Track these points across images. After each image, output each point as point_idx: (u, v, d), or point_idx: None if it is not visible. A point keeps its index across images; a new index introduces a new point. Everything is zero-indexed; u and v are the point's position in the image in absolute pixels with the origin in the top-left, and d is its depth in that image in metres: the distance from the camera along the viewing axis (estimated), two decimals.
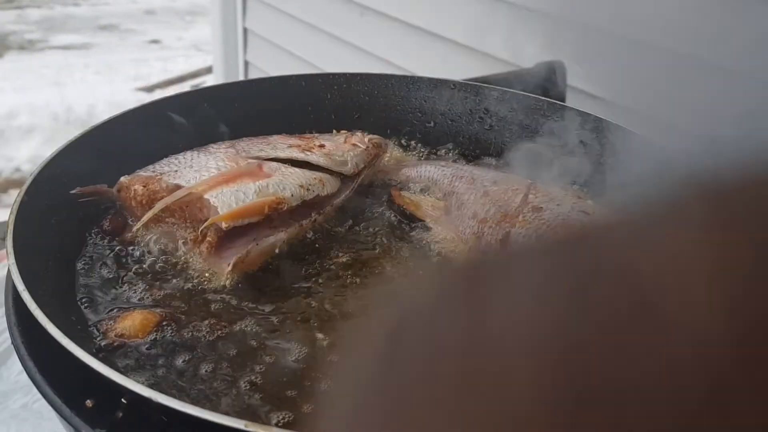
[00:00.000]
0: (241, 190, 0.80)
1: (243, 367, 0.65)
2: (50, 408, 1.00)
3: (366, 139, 0.95)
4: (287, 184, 0.84)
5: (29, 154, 4.51)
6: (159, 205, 0.77)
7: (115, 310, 0.70)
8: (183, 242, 0.78)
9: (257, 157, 0.87)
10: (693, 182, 0.20)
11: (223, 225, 0.77)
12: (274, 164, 0.87)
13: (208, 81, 5.34)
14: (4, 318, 1.14)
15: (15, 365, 1.09)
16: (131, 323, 0.66)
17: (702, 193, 0.20)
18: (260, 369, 0.65)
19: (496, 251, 0.23)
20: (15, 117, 4.86)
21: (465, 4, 2.11)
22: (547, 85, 1.59)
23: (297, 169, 0.87)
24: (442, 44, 2.22)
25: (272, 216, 0.80)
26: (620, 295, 0.18)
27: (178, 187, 0.80)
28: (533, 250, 0.21)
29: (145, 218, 0.77)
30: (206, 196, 0.78)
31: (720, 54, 1.40)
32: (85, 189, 0.83)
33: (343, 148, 0.93)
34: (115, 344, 0.65)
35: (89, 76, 5.79)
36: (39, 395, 1.02)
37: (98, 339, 0.66)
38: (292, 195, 0.83)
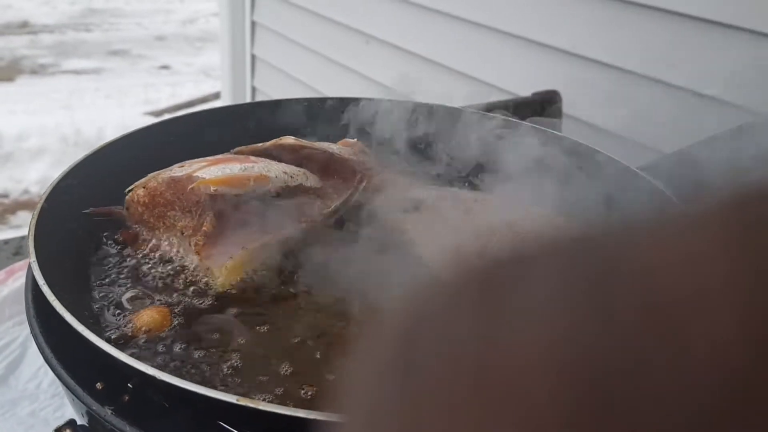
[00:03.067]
0: (228, 167, 0.85)
1: (228, 355, 0.71)
2: (58, 415, 1.05)
3: (354, 140, 1.01)
4: (272, 168, 0.88)
5: (38, 176, 4.55)
6: (145, 179, 0.84)
7: (127, 309, 0.77)
8: (183, 232, 0.83)
9: (246, 148, 0.93)
10: (712, 189, 0.19)
11: (211, 189, 0.82)
12: (261, 158, 0.92)
13: (216, 106, 5.38)
14: (13, 329, 1.20)
15: (23, 374, 1.13)
16: (150, 318, 0.72)
17: (722, 199, 0.19)
18: (239, 358, 0.71)
19: (509, 257, 0.21)
20: (25, 139, 4.92)
21: (465, 34, 2.17)
22: (544, 113, 1.64)
23: (282, 163, 0.92)
24: (442, 72, 2.28)
25: (262, 208, 0.84)
26: (642, 309, 0.17)
27: (172, 179, 0.85)
28: (552, 256, 0.20)
29: (137, 184, 0.84)
30: (196, 174, 0.84)
31: (698, 81, 1.45)
32: (97, 210, 0.89)
33: (331, 144, 0.99)
34: (141, 339, 0.72)
35: (99, 100, 5.86)
36: (46, 403, 1.08)
37: (109, 333, 0.72)
38: (276, 176, 0.87)
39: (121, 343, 0.71)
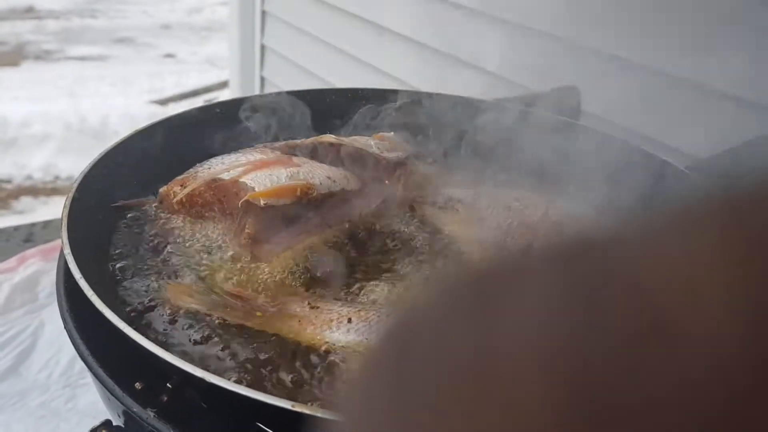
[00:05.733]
0: (275, 174, 0.85)
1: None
2: (69, 407, 1.03)
3: (392, 133, 1.01)
4: (316, 173, 0.89)
5: (42, 163, 4.53)
6: (197, 181, 0.82)
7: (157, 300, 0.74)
8: (224, 234, 0.82)
9: (286, 145, 0.93)
10: (710, 194, 0.19)
11: (261, 202, 0.81)
12: (303, 158, 0.92)
13: (222, 96, 5.37)
14: (23, 318, 1.18)
15: (34, 364, 1.12)
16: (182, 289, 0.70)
17: (719, 205, 0.19)
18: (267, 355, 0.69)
19: (503, 262, 0.22)
20: (29, 126, 4.89)
21: (482, 27, 2.15)
22: (562, 109, 1.62)
23: (324, 164, 0.92)
24: (459, 66, 2.26)
25: (305, 209, 0.84)
26: (634, 311, 0.17)
27: (215, 181, 0.85)
28: (546, 259, 0.21)
29: (182, 193, 0.82)
30: (242, 180, 0.83)
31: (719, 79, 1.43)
32: (128, 202, 0.88)
33: (369, 139, 0.99)
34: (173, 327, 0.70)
35: (104, 88, 5.84)
36: (57, 394, 1.06)
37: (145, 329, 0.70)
38: (320, 183, 0.87)
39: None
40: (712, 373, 0.16)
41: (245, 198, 0.81)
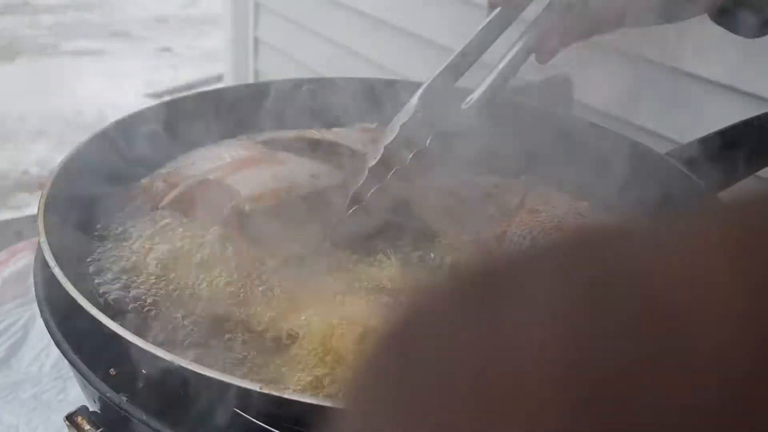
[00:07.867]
0: (259, 174, 0.86)
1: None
2: (60, 398, 1.04)
3: (374, 125, 1.01)
4: (299, 172, 0.89)
5: (38, 158, 4.53)
6: (180, 188, 0.82)
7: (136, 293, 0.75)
8: (205, 227, 0.82)
9: (270, 140, 0.93)
10: (713, 195, 0.19)
11: (246, 207, 0.81)
12: (287, 154, 0.92)
13: (230, 85, 5.34)
14: (15, 310, 1.18)
15: (25, 356, 1.12)
16: None
17: (723, 203, 0.19)
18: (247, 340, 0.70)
19: (509, 260, 0.22)
20: (25, 121, 4.89)
21: (477, 20, 2.15)
22: (555, 98, 1.62)
23: (306, 159, 0.92)
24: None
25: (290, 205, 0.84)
26: (640, 316, 0.17)
27: (199, 181, 0.85)
28: (550, 258, 0.20)
29: (168, 198, 0.82)
30: (227, 182, 0.83)
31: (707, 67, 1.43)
32: (109, 192, 0.88)
33: (352, 132, 0.99)
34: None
35: (100, 82, 5.82)
36: (49, 386, 1.07)
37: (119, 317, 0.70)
38: (305, 182, 0.88)
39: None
40: (721, 376, 0.16)
41: (231, 206, 0.82)
